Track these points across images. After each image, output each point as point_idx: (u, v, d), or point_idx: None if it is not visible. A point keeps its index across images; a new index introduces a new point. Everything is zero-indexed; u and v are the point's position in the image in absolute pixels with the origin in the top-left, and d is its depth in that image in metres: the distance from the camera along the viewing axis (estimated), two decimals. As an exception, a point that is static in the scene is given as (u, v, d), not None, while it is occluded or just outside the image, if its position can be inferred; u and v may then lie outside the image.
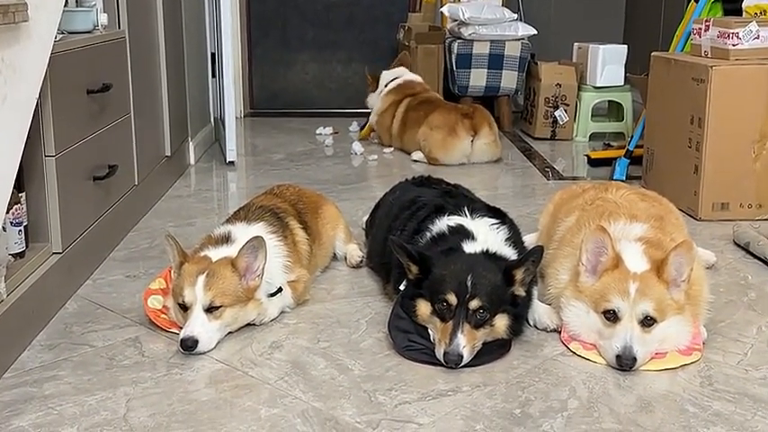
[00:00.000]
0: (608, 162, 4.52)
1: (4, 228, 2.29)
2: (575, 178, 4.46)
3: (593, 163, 4.72)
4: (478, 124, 4.73)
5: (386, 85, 5.35)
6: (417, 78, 5.39)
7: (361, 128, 5.52)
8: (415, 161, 4.79)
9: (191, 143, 4.69)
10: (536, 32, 5.72)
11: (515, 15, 5.74)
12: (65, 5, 2.52)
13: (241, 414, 1.91)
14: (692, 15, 4.14)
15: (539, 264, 2.28)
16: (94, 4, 3.06)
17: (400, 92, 5.24)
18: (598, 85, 5.42)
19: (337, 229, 2.98)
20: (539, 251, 2.24)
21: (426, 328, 2.24)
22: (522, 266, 2.22)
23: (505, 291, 2.22)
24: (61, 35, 2.69)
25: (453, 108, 4.91)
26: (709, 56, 3.64)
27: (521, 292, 2.24)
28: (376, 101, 5.37)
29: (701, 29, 3.71)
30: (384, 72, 5.44)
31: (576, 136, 5.50)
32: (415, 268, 2.25)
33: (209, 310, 2.25)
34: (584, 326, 2.24)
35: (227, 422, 1.87)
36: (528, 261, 2.22)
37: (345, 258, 2.99)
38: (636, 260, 2.22)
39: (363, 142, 5.26)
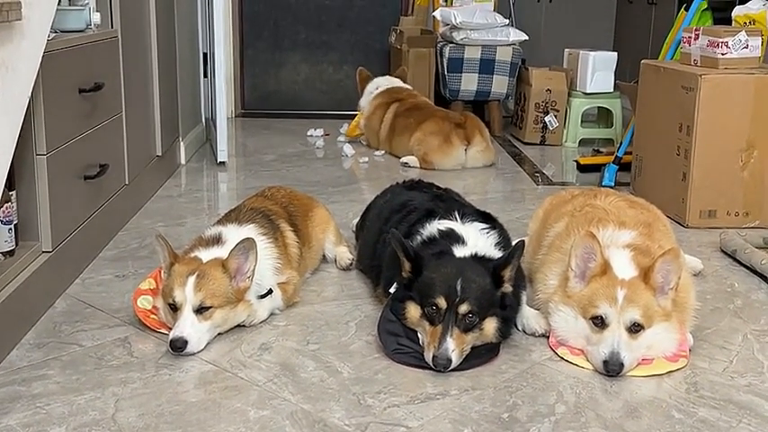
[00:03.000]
0: (597, 168, 4.54)
1: (-6, 226, 2.28)
2: (564, 184, 4.47)
3: (583, 169, 4.74)
4: (471, 134, 4.76)
5: (373, 90, 5.35)
6: (405, 86, 5.39)
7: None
8: (405, 164, 4.78)
9: (182, 143, 4.68)
10: (527, 38, 5.74)
11: (507, 21, 5.76)
12: (58, 4, 2.51)
13: (230, 415, 1.90)
14: (682, 24, 4.17)
15: (521, 257, 2.29)
16: (87, 3, 3.05)
17: (387, 95, 5.25)
18: (588, 91, 5.44)
19: (327, 231, 2.99)
20: (520, 246, 2.27)
21: (416, 332, 2.24)
22: (509, 265, 2.24)
23: (494, 294, 2.23)
24: (54, 34, 2.68)
25: (445, 116, 4.92)
26: (698, 64, 3.66)
27: (508, 288, 2.26)
28: (365, 104, 5.37)
29: (690, 37, 3.73)
30: (375, 79, 5.45)
31: (566, 141, 5.51)
32: (408, 266, 2.26)
33: (199, 311, 2.25)
34: (572, 331, 2.25)
35: (215, 423, 1.87)
36: (513, 258, 2.24)
37: (335, 261, 2.99)
38: (624, 267, 2.23)
39: (354, 144, 5.26)
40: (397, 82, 5.42)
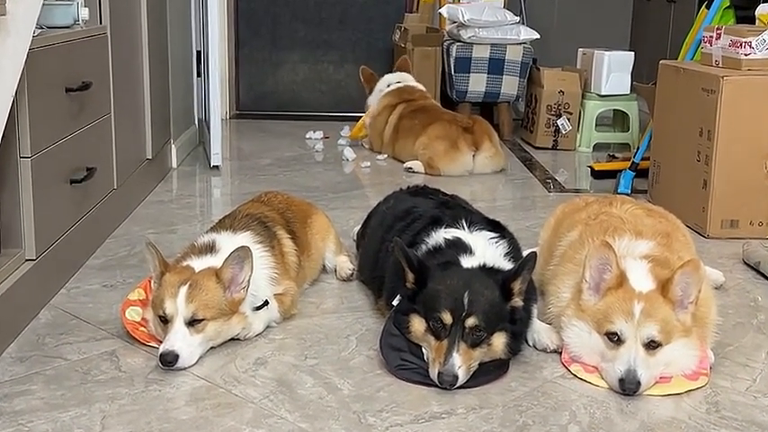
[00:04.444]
0: (612, 174, 4.54)
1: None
2: (577, 191, 4.48)
3: (597, 175, 4.74)
4: (479, 139, 4.76)
5: (384, 88, 5.36)
6: (418, 85, 5.40)
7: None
8: (409, 169, 4.77)
9: (173, 146, 4.68)
10: (539, 37, 5.74)
11: (517, 18, 5.77)
12: (44, -1, 2.52)
13: (223, 434, 1.91)
14: (703, 22, 4.18)
15: (533, 270, 2.29)
16: (75, -2, 3.07)
17: (397, 96, 5.25)
18: (603, 93, 5.45)
19: (327, 239, 2.99)
20: (532, 258, 2.27)
21: (420, 347, 2.24)
22: (519, 277, 2.23)
23: (503, 307, 2.23)
24: (40, 30, 2.69)
25: (452, 119, 4.92)
26: (720, 65, 3.67)
27: (519, 302, 2.25)
28: (373, 102, 5.38)
29: (711, 37, 3.74)
30: (386, 75, 5.45)
31: (580, 146, 5.52)
32: (411, 277, 2.26)
33: (191, 323, 2.25)
34: (585, 347, 2.25)
35: (208, 443, 1.87)
36: (524, 270, 2.24)
37: (335, 271, 2.99)
38: (641, 279, 2.23)
39: (355, 148, 5.26)
40: (409, 79, 5.40)
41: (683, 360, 2.19)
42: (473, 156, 4.75)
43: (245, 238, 2.52)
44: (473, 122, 4.89)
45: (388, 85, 5.36)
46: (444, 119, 4.93)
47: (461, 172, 4.75)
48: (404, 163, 4.90)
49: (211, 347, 2.33)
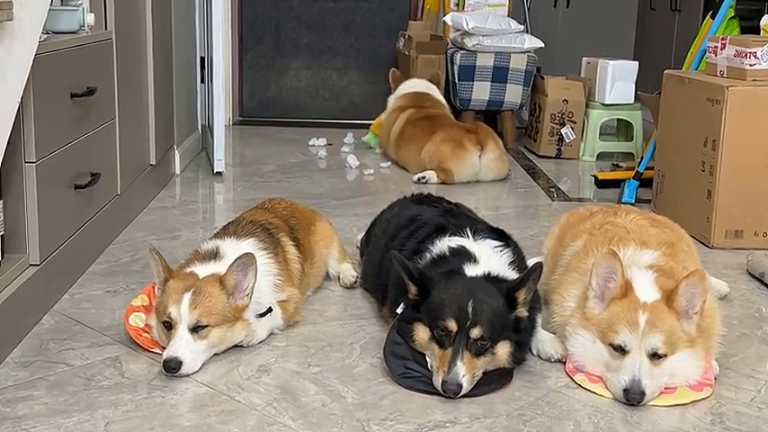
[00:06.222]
0: (616, 184, 4.54)
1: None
2: (581, 200, 4.48)
3: (601, 184, 4.74)
4: (483, 139, 4.76)
5: (405, 89, 5.39)
6: (435, 94, 5.39)
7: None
8: (422, 179, 4.69)
9: (177, 151, 4.69)
10: (543, 45, 5.75)
11: (522, 27, 5.77)
12: (50, 4, 2.53)
13: (226, 441, 1.91)
14: (708, 32, 4.18)
15: (539, 280, 2.29)
16: (81, 4, 3.07)
17: (409, 99, 5.26)
18: (607, 102, 5.45)
19: (331, 247, 2.99)
20: (538, 268, 2.26)
21: (424, 355, 2.24)
22: (524, 287, 2.23)
23: (508, 316, 2.23)
24: (45, 35, 2.70)
25: (456, 125, 4.95)
26: (724, 75, 3.67)
27: (523, 312, 2.26)
28: (391, 100, 5.41)
29: (716, 47, 3.74)
30: (412, 79, 5.49)
31: (583, 155, 5.52)
32: (413, 288, 2.26)
33: (195, 329, 2.26)
34: (590, 357, 2.25)
35: (211, 450, 1.87)
36: (529, 280, 2.24)
37: (339, 278, 2.99)
38: (646, 289, 2.23)
39: (358, 154, 5.25)
40: (433, 90, 5.41)
41: (687, 371, 2.19)
42: (479, 156, 4.73)
43: (248, 245, 2.53)
44: (476, 127, 4.92)
45: (411, 88, 5.37)
46: (448, 125, 4.94)
47: (470, 175, 4.73)
48: (407, 170, 4.90)
49: (215, 354, 2.33)
